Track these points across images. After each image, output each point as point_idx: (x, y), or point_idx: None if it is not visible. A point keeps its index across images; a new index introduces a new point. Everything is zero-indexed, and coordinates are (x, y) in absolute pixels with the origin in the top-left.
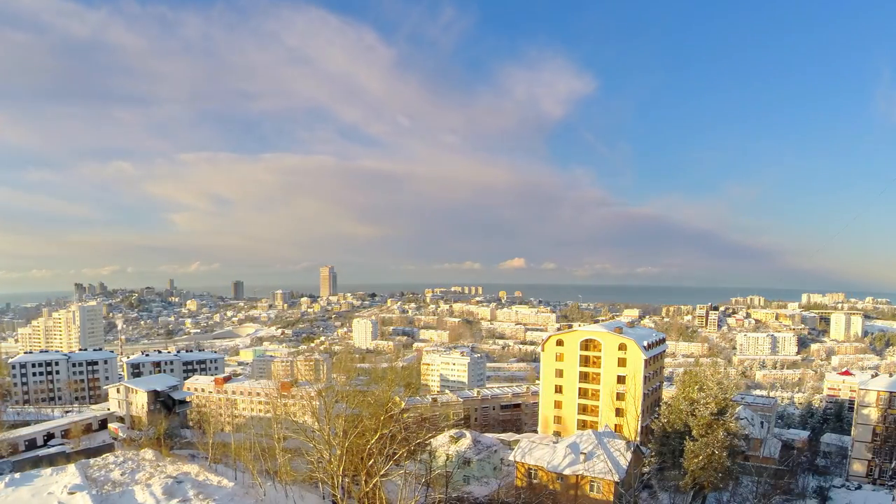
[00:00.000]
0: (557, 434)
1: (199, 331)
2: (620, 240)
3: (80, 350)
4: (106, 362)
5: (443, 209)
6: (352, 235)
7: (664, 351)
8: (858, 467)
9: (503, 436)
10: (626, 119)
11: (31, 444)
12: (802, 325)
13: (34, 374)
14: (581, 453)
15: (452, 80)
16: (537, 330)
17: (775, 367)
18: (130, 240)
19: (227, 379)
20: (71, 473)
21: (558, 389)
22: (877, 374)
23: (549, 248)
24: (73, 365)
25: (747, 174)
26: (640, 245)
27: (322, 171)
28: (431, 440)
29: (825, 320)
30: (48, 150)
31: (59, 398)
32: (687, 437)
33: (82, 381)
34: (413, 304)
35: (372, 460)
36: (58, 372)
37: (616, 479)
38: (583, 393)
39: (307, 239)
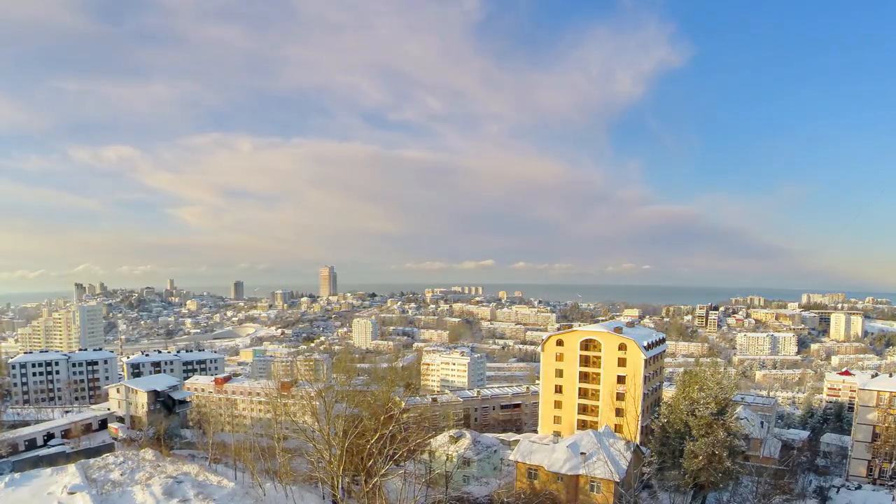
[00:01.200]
0: (557, 434)
1: (199, 331)
2: (643, 240)
3: (80, 350)
4: (106, 362)
5: (475, 205)
6: (377, 233)
7: (664, 351)
8: (858, 467)
9: (503, 436)
10: (706, 105)
11: (31, 444)
12: (802, 325)
13: (34, 374)
14: (581, 453)
15: (520, 55)
16: (537, 330)
17: (775, 367)
18: (132, 238)
19: (227, 379)
20: (71, 473)
21: (558, 389)
22: (877, 374)
23: (574, 248)
24: (73, 365)
25: (771, 180)
26: (660, 245)
27: (352, 160)
28: (431, 440)
29: (825, 320)
30: (46, 131)
31: (59, 398)
32: (687, 437)
33: (82, 381)
34: (413, 304)
35: (372, 460)
36: (58, 372)
37: (616, 479)
38: (583, 393)
39: (326, 236)
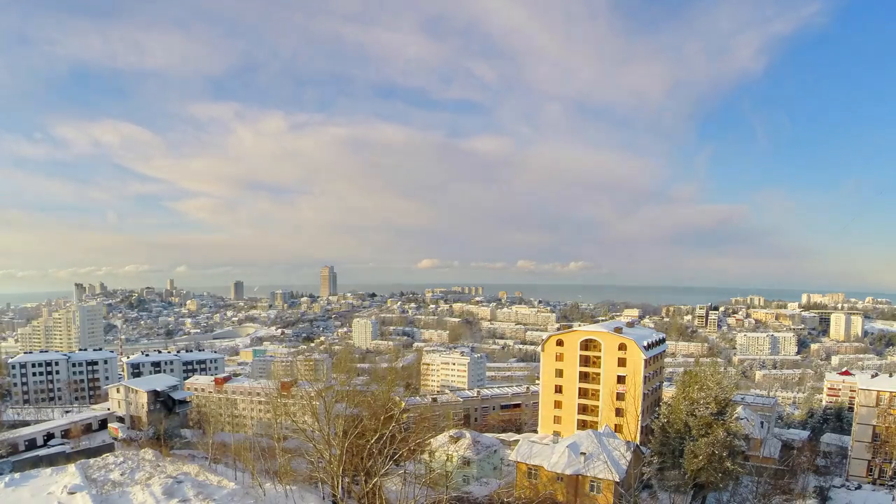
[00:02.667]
0: (557, 434)
1: (199, 331)
2: (653, 240)
3: (80, 350)
4: (106, 362)
5: (514, 201)
6: (401, 227)
7: (664, 351)
8: (858, 467)
9: (503, 436)
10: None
11: (31, 444)
12: (802, 325)
13: (34, 374)
14: (581, 453)
15: (615, 17)
16: (537, 330)
17: (775, 367)
18: (139, 237)
19: (227, 379)
20: (71, 473)
21: (558, 389)
22: (877, 375)
23: (599, 249)
24: (73, 365)
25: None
26: (661, 245)
27: (387, 148)
28: (431, 440)
29: (825, 320)
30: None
31: (59, 398)
32: (687, 437)
33: (82, 381)
34: (413, 304)
35: (372, 460)
36: (58, 372)
37: (616, 479)
38: (583, 393)
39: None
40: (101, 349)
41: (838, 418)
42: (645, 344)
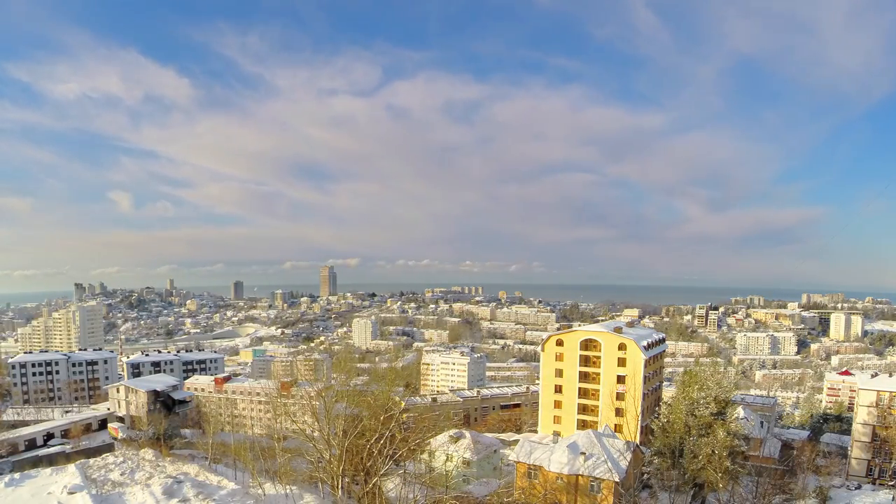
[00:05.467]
0: (557, 434)
1: (198, 331)
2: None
3: (80, 350)
4: (106, 362)
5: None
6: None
7: (664, 351)
8: (858, 467)
9: (503, 436)
10: None
11: (31, 444)
12: (802, 325)
13: (34, 374)
14: (581, 453)
15: None
16: (537, 330)
17: (775, 367)
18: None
19: (227, 379)
20: (71, 473)
21: (558, 389)
22: (877, 374)
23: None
24: (73, 365)
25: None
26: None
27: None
28: (431, 440)
29: (825, 320)
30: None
31: (59, 398)
32: (687, 437)
33: (82, 381)
34: (413, 304)
35: (372, 460)
36: (58, 372)
37: (616, 479)
38: (583, 393)
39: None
40: (101, 349)
41: (838, 418)
42: (645, 344)
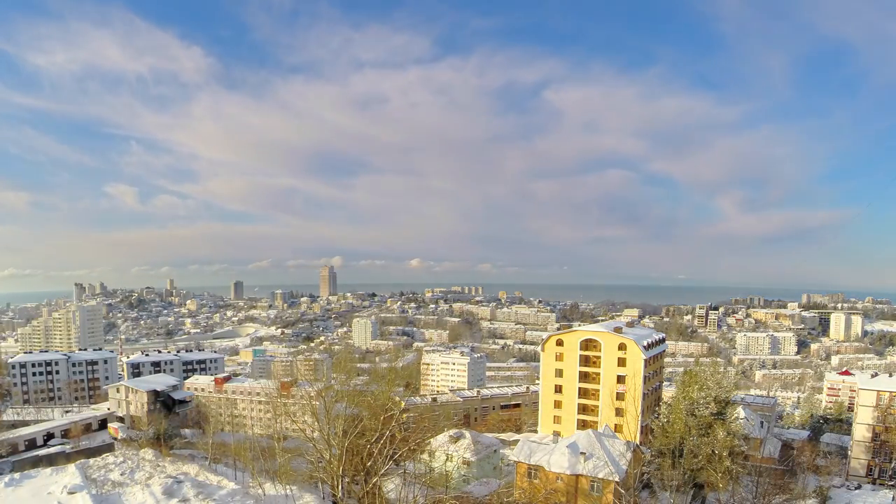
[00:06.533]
0: (557, 434)
1: (198, 331)
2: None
3: (80, 350)
4: (106, 362)
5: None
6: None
7: (664, 351)
8: (858, 467)
9: (503, 436)
10: None
11: (31, 444)
12: (802, 325)
13: (34, 374)
14: (581, 453)
15: None
16: (537, 330)
17: (775, 367)
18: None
19: (227, 379)
20: (70, 473)
21: (558, 389)
22: (877, 375)
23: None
24: (73, 365)
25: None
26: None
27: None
28: (431, 440)
29: (825, 320)
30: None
31: (59, 398)
32: (687, 437)
33: (82, 381)
34: (413, 304)
35: (372, 460)
36: (58, 372)
37: (616, 478)
38: (583, 393)
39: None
40: (101, 349)
41: (838, 418)
42: (645, 344)
